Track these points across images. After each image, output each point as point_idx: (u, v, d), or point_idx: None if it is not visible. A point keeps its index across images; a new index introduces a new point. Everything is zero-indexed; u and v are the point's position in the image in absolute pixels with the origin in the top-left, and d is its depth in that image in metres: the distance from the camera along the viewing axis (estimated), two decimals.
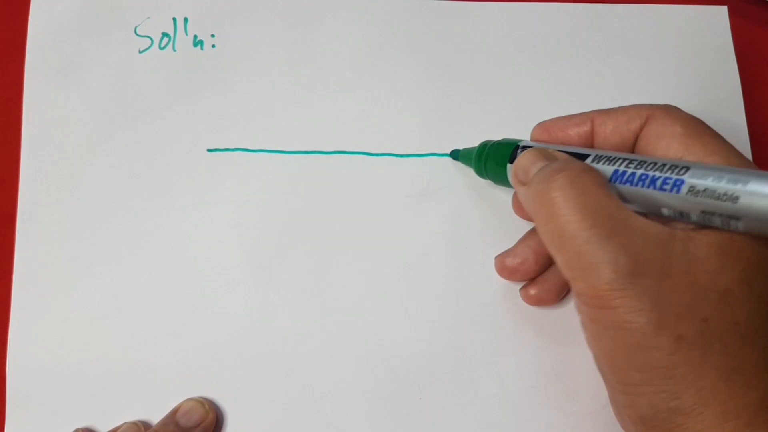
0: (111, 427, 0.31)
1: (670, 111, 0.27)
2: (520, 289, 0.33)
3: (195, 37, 0.36)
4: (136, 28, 0.36)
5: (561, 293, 0.32)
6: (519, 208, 0.33)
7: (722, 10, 0.38)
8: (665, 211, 0.25)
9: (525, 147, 0.30)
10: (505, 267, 0.32)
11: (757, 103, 0.37)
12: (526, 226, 0.33)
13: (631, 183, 0.25)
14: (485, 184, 0.34)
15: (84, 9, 0.36)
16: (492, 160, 0.31)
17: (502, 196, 0.34)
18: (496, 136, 0.33)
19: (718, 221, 0.23)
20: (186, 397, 0.31)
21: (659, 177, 0.24)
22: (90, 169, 0.34)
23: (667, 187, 0.24)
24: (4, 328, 0.32)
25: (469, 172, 0.34)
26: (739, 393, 0.22)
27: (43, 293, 0.32)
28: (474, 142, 0.34)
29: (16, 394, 0.31)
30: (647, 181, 0.25)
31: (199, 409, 0.30)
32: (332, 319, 0.33)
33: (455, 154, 0.35)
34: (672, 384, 0.22)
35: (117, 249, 0.33)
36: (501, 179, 0.31)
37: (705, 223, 0.24)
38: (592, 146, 0.29)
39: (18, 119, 0.34)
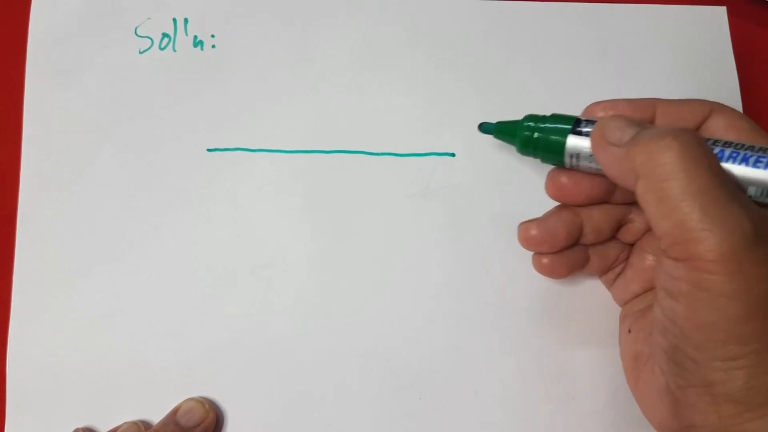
0: (111, 427, 0.31)
1: (731, 108, 0.28)
2: (534, 255, 0.31)
3: (195, 37, 0.36)
4: (136, 28, 0.36)
5: (572, 271, 0.31)
6: (559, 188, 0.30)
7: (721, 11, 0.38)
8: (752, 190, 0.25)
9: (588, 121, 0.28)
10: (530, 237, 0.30)
11: (756, 103, 0.37)
12: (523, 209, 0.32)
13: (722, 159, 0.25)
14: (485, 183, 0.34)
15: (85, 10, 0.36)
16: (548, 133, 0.29)
17: (503, 195, 0.34)
18: None
19: None
20: (186, 397, 0.31)
21: (752, 155, 0.25)
22: (90, 169, 0.34)
23: (761, 164, 0.24)
24: (4, 328, 0.32)
25: (470, 172, 0.34)
26: None
27: (43, 293, 0.32)
28: (474, 141, 0.34)
29: (16, 394, 0.31)
30: (738, 158, 0.25)
31: (199, 409, 0.30)
32: (332, 319, 0.33)
33: (487, 128, 0.32)
34: None
35: (117, 249, 0.33)
36: (553, 157, 0.29)
37: None
38: None
39: (18, 119, 0.34)
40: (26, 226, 0.33)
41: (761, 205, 0.25)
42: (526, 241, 0.30)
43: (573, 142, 0.28)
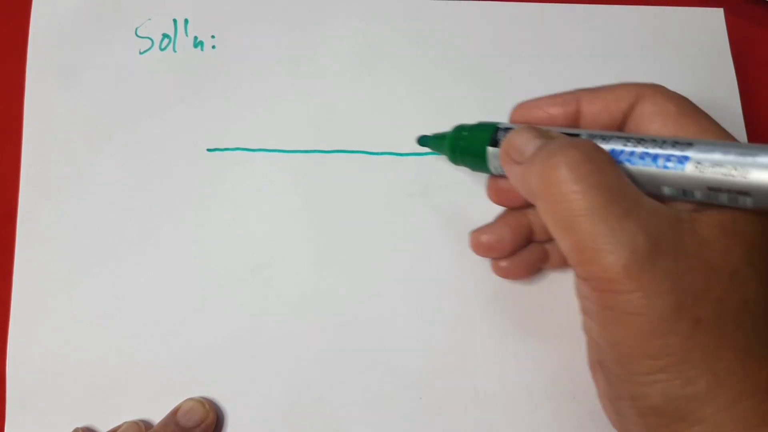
0: (111, 427, 0.31)
1: (661, 90, 0.26)
2: (492, 261, 0.32)
3: (195, 38, 0.36)
4: (136, 29, 0.36)
5: (530, 271, 0.32)
6: (497, 193, 0.31)
7: (718, 12, 0.38)
8: (667, 190, 0.24)
9: (507, 129, 0.28)
10: (480, 244, 0.31)
11: (754, 104, 0.37)
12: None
13: (631, 162, 0.24)
14: (485, 183, 0.34)
15: (85, 10, 0.36)
16: (470, 144, 0.30)
17: None
18: None
19: (725, 198, 0.22)
20: (186, 397, 0.31)
21: (661, 154, 0.23)
22: (90, 169, 0.34)
23: (671, 164, 0.23)
24: (4, 328, 0.32)
25: (470, 171, 0.34)
26: (753, 372, 0.22)
27: (43, 293, 0.32)
28: None
29: (16, 394, 0.31)
30: (648, 158, 0.24)
31: (199, 409, 0.30)
32: (332, 318, 0.33)
33: (424, 141, 0.33)
34: (688, 369, 0.22)
35: (117, 249, 0.33)
36: (478, 164, 0.30)
37: (710, 200, 0.23)
38: (577, 127, 0.28)
39: (19, 119, 0.35)
40: (26, 226, 0.33)
41: (689, 202, 0.24)
42: (477, 248, 0.31)
43: (492, 152, 0.28)
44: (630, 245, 0.22)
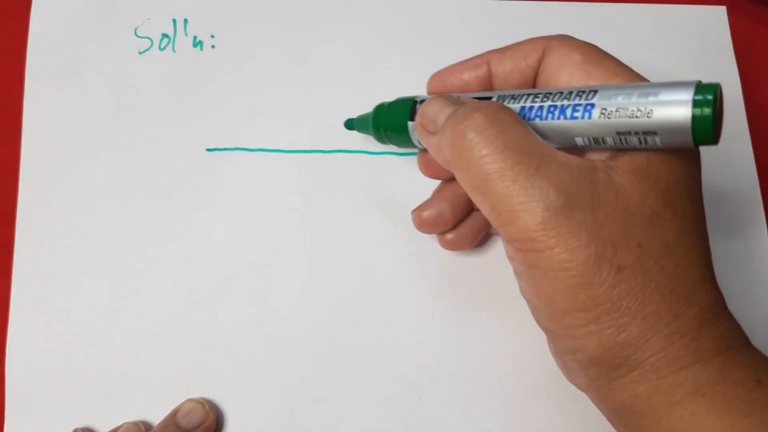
0: (111, 427, 0.31)
1: (566, 40, 0.26)
2: (438, 236, 0.32)
3: (195, 37, 0.36)
4: (136, 29, 0.36)
5: (476, 238, 0.32)
6: (427, 167, 0.31)
7: (721, 10, 0.38)
8: (579, 141, 0.24)
9: (423, 101, 0.28)
10: (423, 221, 0.31)
11: (757, 102, 0.37)
12: None
13: (541, 117, 0.24)
14: None
15: (84, 10, 0.36)
16: (390, 120, 0.30)
17: None
18: None
19: (635, 140, 0.22)
20: (186, 398, 0.31)
21: (568, 105, 0.24)
22: (90, 169, 0.34)
23: (578, 114, 0.23)
24: (3, 328, 0.32)
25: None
26: (681, 312, 0.22)
27: (43, 293, 0.32)
28: None
29: (16, 394, 0.31)
30: (556, 112, 0.24)
31: (199, 410, 0.30)
32: (332, 318, 0.33)
33: (349, 124, 0.34)
34: (617, 317, 0.22)
35: (117, 249, 0.33)
36: (403, 140, 0.30)
37: (621, 146, 0.23)
38: (491, 89, 0.28)
39: (18, 119, 0.34)
40: (26, 226, 0.33)
41: (604, 150, 0.24)
42: (420, 226, 0.31)
43: (413, 125, 0.29)
44: (542, 202, 0.22)
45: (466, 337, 0.33)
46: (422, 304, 0.33)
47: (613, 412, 0.24)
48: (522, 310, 0.33)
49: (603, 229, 0.22)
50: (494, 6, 0.37)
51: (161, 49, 0.36)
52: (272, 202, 0.34)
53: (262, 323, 0.32)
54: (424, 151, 0.31)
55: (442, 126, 0.25)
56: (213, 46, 0.36)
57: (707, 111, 0.21)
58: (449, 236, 0.32)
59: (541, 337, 0.32)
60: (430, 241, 0.34)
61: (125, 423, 0.30)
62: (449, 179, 0.31)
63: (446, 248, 0.32)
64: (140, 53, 0.36)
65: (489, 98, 0.26)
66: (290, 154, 0.35)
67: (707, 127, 0.21)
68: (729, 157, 0.36)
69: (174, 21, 0.36)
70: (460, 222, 0.31)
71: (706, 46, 0.38)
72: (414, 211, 0.31)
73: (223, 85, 0.36)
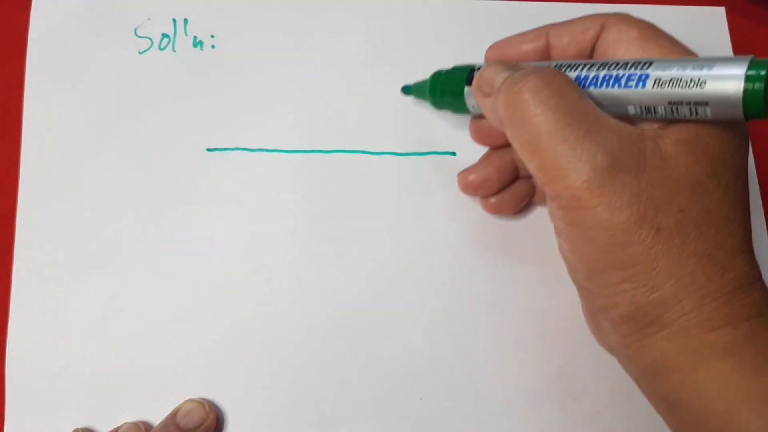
0: (111, 428, 0.31)
1: (625, 17, 0.27)
2: (481, 198, 0.33)
3: (195, 37, 0.36)
4: (136, 29, 0.36)
5: (519, 205, 0.33)
6: (479, 134, 0.32)
7: (720, 11, 0.38)
8: (631, 109, 0.25)
9: (481, 68, 0.29)
10: (468, 183, 0.32)
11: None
12: (527, 220, 0.33)
13: (596, 85, 0.25)
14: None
15: (84, 10, 0.36)
16: (448, 85, 0.31)
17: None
18: None
19: (686, 110, 0.23)
20: (186, 398, 0.31)
21: (623, 75, 0.24)
22: (90, 169, 0.34)
23: (632, 83, 0.24)
24: (3, 328, 0.32)
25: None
26: (715, 276, 0.23)
27: (43, 293, 0.32)
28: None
29: (16, 394, 0.31)
30: (611, 80, 0.25)
31: (199, 411, 0.30)
32: (332, 319, 0.33)
33: (407, 90, 0.35)
34: (652, 277, 0.23)
35: (117, 249, 0.33)
36: (459, 106, 0.31)
37: (672, 116, 0.24)
38: (548, 61, 0.29)
39: (18, 119, 0.34)
40: (25, 226, 0.33)
41: (653, 120, 0.25)
42: (466, 188, 0.32)
43: (469, 91, 0.30)
44: (590, 162, 0.23)
45: (466, 338, 0.33)
46: (422, 304, 0.33)
47: (641, 370, 0.25)
48: (522, 310, 0.33)
49: (646, 192, 0.23)
50: (495, 6, 0.37)
51: (161, 49, 0.36)
52: (272, 202, 0.34)
53: (262, 323, 0.32)
54: (477, 118, 0.32)
55: (498, 87, 0.26)
56: (213, 47, 0.36)
57: (759, 86, 0.22)
58: (492, 200, 0.33)
59: (541, 337, 0.33)
60: (431, 241, 0.34)
61: (125, 423, 0.30)
62: (498, 146, 0.32)
63: (488, 211, 0.33)
64: (140, 53, 0.36)
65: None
66: (290, 154, 0.35)
67: (758, 100, 0.22)
68: None
69: (174, 21, 0.36)
70: (503, 188, 0.32)
71: (706, 47, 0.37)
72: (460, 173, 0.32)
73: (223, 85, 0.36)
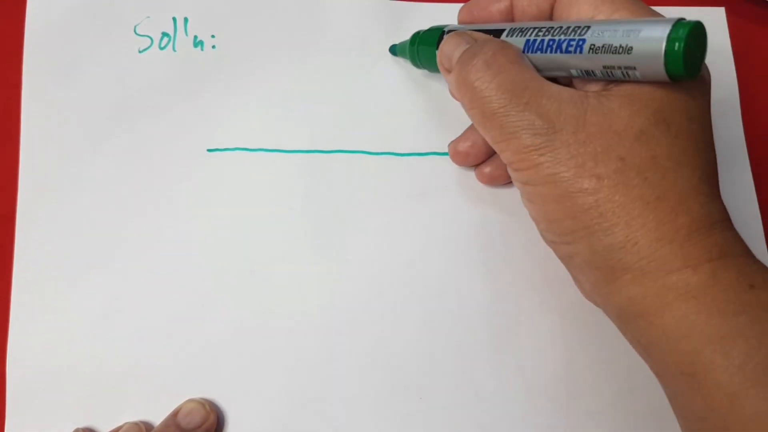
0: (112, 428, 0.31)
1: None
2: (475, 169, 0.34)
3: (195, 37, 0.36)
4: (135, 27, 0.36)
5: None
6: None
7: (720, 12, 0.38)
8: (574, 72, 0.26)
9: (451, 31, 0.31)
10: (458, 152, 0.33)
11: (754, 103, 0.37)
12: (527, 220, 0.33)
13: (542, 50, 0.27)
14: (483, 186, 0.34)
15: (82, 8, 0.36)
16: (423, 47, 0.33)
17: (503, 195, 0.34)
18: None
19: (619, 74, 0.25)
20: (187, 398, 0.31)
21: (564, 40, 0.26)
22: (89, 169, 0.34)
23: (572, 48, 0.26)
24: (4, 328, 0.32)
25: (470, 171, 0.34)
26: (667, 219, 0.24)
27: (43, 293, 0.32)
28: None
29: (16, 394, 0.31)
30: (554, 46, 0.26)
31: (200, 411, 0.30)
32: (332, 319, 0.33)
33: (392, 49, 0.36)
34: (602, 222, 0.24)
35: (117, 249, 0.33)
36: (434, 66, 0.32)
37: (609, 77, 0.25)
38: (512, 21, 0.31)
39: (17, 119, 0.34)
40: (25, 226, 0.33)
41: (596, 80, 0.26)
42: (456, 157, 0.34)
43: None
44: (530, 129, 0.25)
45: (466, 338, 0.33)
46: (422, 304, 0.33)
47: (615, 315, 0.26)
48: (521, 310, 0.33)
49: (584, 147, 0.24)
50: None
51: (161, 48, 0.36)
52: (272, 202, 0.34)
53: (262, 323, 0.32)
54: None
55: (454, 64, 0.29)
56: (213, 46, 0.36)
57: (679, 46, 0.23)
58: (486, 169, 0.34)
59: (541, 337, 0.33)
60: (430, 241, 0.34)
61: (126, 423, 0.30)
62: None
63: (484, 182, 0.34)
64: (140, 52, 0.36)
65: (502, 30, 0.29)
66: (290, 154, 0.35)
67: (677, 61, 0.23)
68: (723, 157, 0.35)
69: (174, 20, 0.36)
70: (494, 154, 0.33)
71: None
72: (450, 144, 0.34)
73: (223, 85, 0.35)
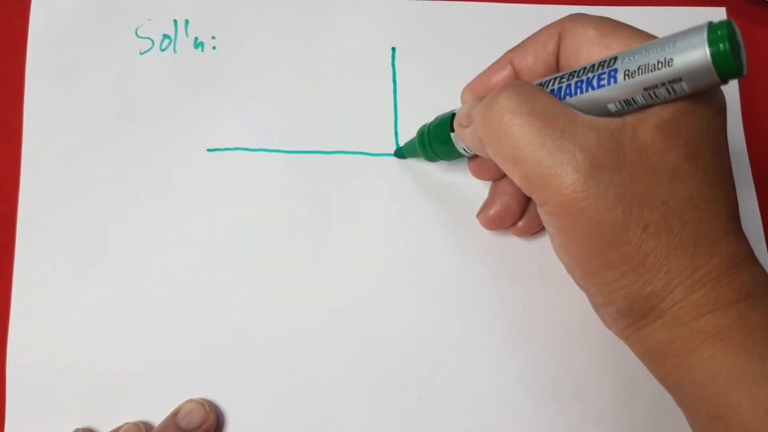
0: (111, 428, 0.31)
1: (579, 18, 0.27)
2: (511, 227, 0.33)
3: (196, 39, 0.36)
4: (137, 29, 0.36)
5: None
6: (478, 170, 0.33)
7: (720, 12, 0.38)
8: (612, 107, 0.25)
9: None
10: (491, 220, 0.32)
11: (754, 103, 0.37)
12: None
13: (570, 94, 0.25)
14: (485, 183, 0.34)
15: (84, 10, 0.36)
16: (435, 136, 0.32)
17: None
18: None
19: (663, 92, 0.23)
20: (186, 398, 0.31)
21: (593, 77, 0.24)
22: (90, 169, 0.34)
23: (604, 81, 0.24)
24: (4, 328, 0.32)
25: (470, 171, 0.34)
26: (702, 263, 0.23)
27: (44, 293, 0.32)
28: None
29: (16, 394, 0.31)
30: (584, 85, 0.25)
31: (200, 411, 0.30)
32: (332, 319, 0.33)
33: (399, 153, 0.35)
34: (643, 272, 0.23)
35: (117, 249, 0.33)
36: (450, 152, 0.31)
37: (652, 101, 0.24)
38: None
39: (19, 119, 0.34)
40: (26, 226, 0.33)
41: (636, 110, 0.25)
42: (490, 225, 0.33)
43: (455, 135, 0.30)
44: (571, 164, 0.23)
45: (466, 338, 0.33)
46: (422, 304, 0.33)
47: (642, 356, 0.26)
48: (522, 310, 0.33)
49: (629, 190, 0.23)
50: (493, 9, 0.38)
51: (162, 50, 0.36)
52: (272, 202, 0.34)
53: (262, 323, 0.32)
54: (472, 158, 0.32)
55: (474, 114, 0.26)
56: (214, 48, 0.36)
57: (724, 46, 0.22)
58: (520, 224, 0.32)
59: (541, 337, 0.33)
60: (430, 242, 0.34)
61: (126, 423, 0.30)
62: (500, 177, 0.32)
63: (520, 235, 0.33)
64: (141, 54, 0.36)
65: None
66: (290, 154, 0.35)
67: (727, 59, 0.22)
68: None
69: (175, 22, 0.36)
70: (525, 211, 0.32)
71: None
72: (479, 213, 0.33)
73: (223, 85, 0.36)
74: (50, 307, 0.32)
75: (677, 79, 0.23)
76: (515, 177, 0.25)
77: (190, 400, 0.31)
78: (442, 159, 0.33)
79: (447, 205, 0.34)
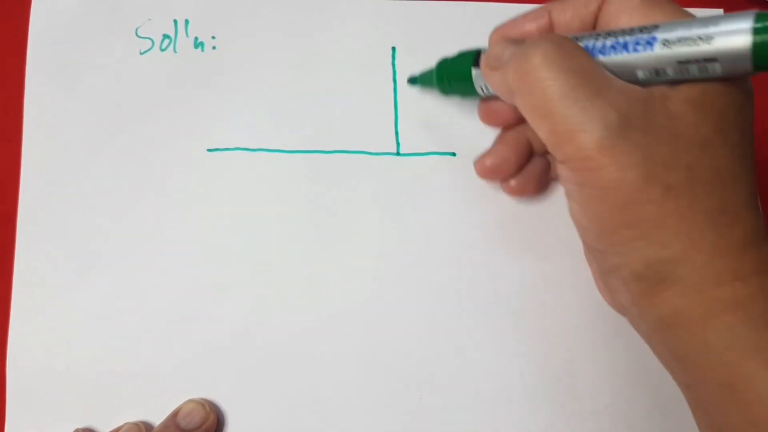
0: (111, 428, 0.31)
1: None
2: (501, 182, 0.33)
3: (196, 38, 0.36)
4: (137, 29, 0.36)
5: (539, 183, 0.33)
6: (488, 115, 0.32)
7: (719, 12, 0.38)
8: (641, 74, 0.25)
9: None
10: (487, 168, 0.32)
11: (755, 103, 0.37)
12: (527, 219, 0.33)
13: (603, 53, 0.25)
14: (485, 183, 0.34)
15: (85, 10, 0.36)
16: (455, 70, 0.31)
17: (503, 195, 0.34)
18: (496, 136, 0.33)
19: (695, 69, 0.23)
20: (187, 398, 0.31)
21: (631, 40, 0.25)
22: (90, 169, 0.34)
23: (640, 47, 0.24)
24: (4, 328, 0.32)
25: (470, 172, 0.34)
26: (725, 232, 0.23)
27: (43, 293, 0.32)
28: (475, 141, 0.34)
29: (16, 394, 0.31)
30: (619, 47, 0.25)
31: (200, 411, 0.30)
32: (332, 319, 0.33)
33: (412, 80, 0.35)
34: (663, 234, 0.23)
35: (117, 249, 0.33)
36: (467, 89, 0.31)
37: (682, 76, 0.24)
38: None
39: (19, 119, 0.34)
40: (26, 226, 0.33)
41: (662, 82, 0.25)
42: (484, 173, 0.32)
43: (477, 73, 0.30)
44: (602, 121, 0.23)
45: (466, 338, 0.33)
46: (423, 304, 0.33)
47: (651, 326, 0.25)
48: (522, 309, 0.33)
49: (655, 151, 0.23)
50: (494, 9, 0.38)
51: (162, 50, 0.36)
52: (272, 202, 0.34)
53: (262, 324, 0.32)
54: (485, 100, 0.32)
55: (506, 59, 0.26)
56: (214, 47, 0.36)
57: (767, 37, 0.22)
58: (513, 182, 0.32)
59: (541, 337, 0.33)
60: (430, 242, 0.34)
61: (126, 423, 0.31)
62: (508, 126, 0.32)
63: (511, 194, 0.33)
64: (141, 53, 0.36)
65: None
66: (290, 154, 0.35)
67: (766, 52, 0.22)
68: None
69: (175, 22, 0.36)
70: (522, 168, 0.32)
71: None
72: (477, 160, 0.32)
73: (224, 85, 0.36)
74: (50, 307, 0.32)
75: (712, 59, 0.23)
76: (541, 130, 0.25)
77: (190, 400, 0.31)
78: (456, 94, 0.33)
79: (447, 205, 0.34)
